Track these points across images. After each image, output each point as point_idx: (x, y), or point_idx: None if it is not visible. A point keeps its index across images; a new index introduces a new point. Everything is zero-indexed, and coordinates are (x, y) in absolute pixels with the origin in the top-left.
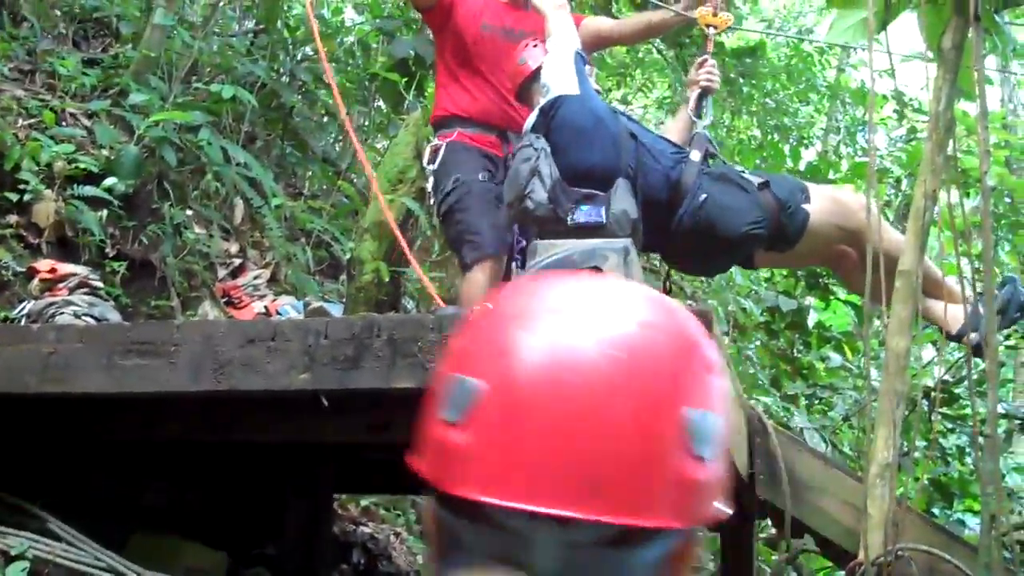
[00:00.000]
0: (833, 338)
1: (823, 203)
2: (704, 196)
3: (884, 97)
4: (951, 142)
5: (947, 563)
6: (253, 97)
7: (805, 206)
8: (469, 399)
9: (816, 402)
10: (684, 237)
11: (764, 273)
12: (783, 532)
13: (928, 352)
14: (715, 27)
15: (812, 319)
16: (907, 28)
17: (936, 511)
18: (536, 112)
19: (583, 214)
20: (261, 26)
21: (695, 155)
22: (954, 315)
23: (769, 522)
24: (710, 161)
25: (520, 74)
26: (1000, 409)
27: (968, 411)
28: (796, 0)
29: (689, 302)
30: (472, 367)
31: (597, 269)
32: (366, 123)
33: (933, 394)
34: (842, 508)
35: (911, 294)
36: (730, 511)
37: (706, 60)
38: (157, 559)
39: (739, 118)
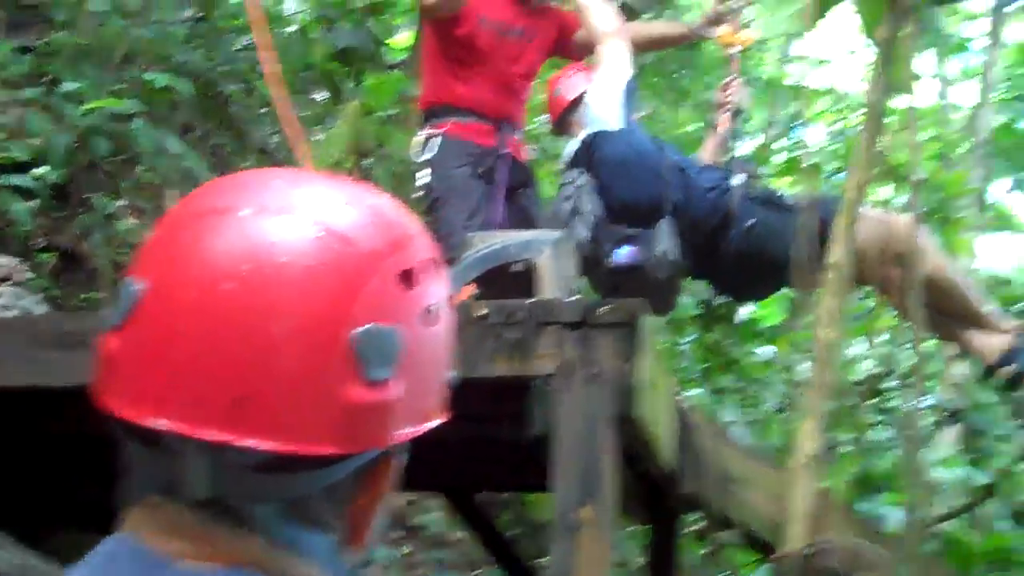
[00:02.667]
0: (763, 332)
1: (869, 224)
2: (752, 221)
3: (820, 91)
4: (883, 134)
5: (868, 555)
6: (190, 86)
7: None
8: (129, 301)
9: (746, 396)
10: (734, 263)
11: None
12: (710, 525)
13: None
14: (738, 46)
15: (747, 312)
16: (846, 20)
17: (862, 504)
18: (577, 143)
19: (623, 255)
20: (201, 14)
21: (738, 179)
22: (988, 346)
23: (697, 516)
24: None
25: (559, 105)
26: (928, 402)
27: (896, 404)
28: None
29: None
30: (141, 267)
31: (529, 262)
32: (307, 113)
33: (861, 387)
34: (767, 501)
35: (841, 285)
36: (438, 422)
37: (732, 80)
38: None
39: (678, 111)
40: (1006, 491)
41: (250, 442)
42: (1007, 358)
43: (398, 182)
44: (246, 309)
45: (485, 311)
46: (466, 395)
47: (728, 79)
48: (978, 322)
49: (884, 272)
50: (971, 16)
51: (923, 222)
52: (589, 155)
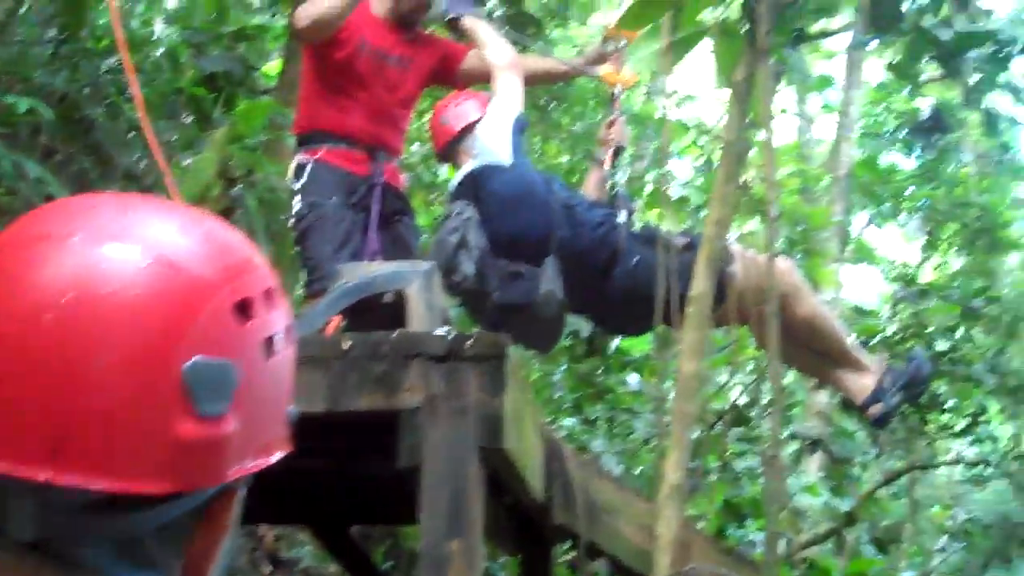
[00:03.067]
0: (632, 361)
1: (748, 265)
2: (637, 258)
3: (684, 126)
4: (743, 171)
5: None
6: (51, 110)
7: (729, 268)
8: None
9: (616, 425)
10: (620, 299)
11: None
12: (581, 555)
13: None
14: (620, 85)
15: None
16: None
17: (729, 531)
18: (462, 174)
19: (509, 292)
20: (65, 34)
21: (623, 216)
22: (858, 385)
23: (569, 546)
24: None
25: (446, 134)
26: (791, 431)
27: (760, 432)
28: (607, 26)
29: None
30: None
31: (400, 293)
32: (174, 138)
33: (727, 416)
34: (636, 530)
35: (702, 319)
36: (279, 455)
37: (615, 119)
38: None
39: (549, 144)
40: (869, 516)
41: (75, 481)
42: (875, 397)
43: (267, 210)
44: (67, 342)
45: (349, 344)
46: (334, 429)
47: (611, 117)
48: (848, 362)
49: (761, 312)
50: (831, 54)
51: (785, 255)
52: (477, 187)
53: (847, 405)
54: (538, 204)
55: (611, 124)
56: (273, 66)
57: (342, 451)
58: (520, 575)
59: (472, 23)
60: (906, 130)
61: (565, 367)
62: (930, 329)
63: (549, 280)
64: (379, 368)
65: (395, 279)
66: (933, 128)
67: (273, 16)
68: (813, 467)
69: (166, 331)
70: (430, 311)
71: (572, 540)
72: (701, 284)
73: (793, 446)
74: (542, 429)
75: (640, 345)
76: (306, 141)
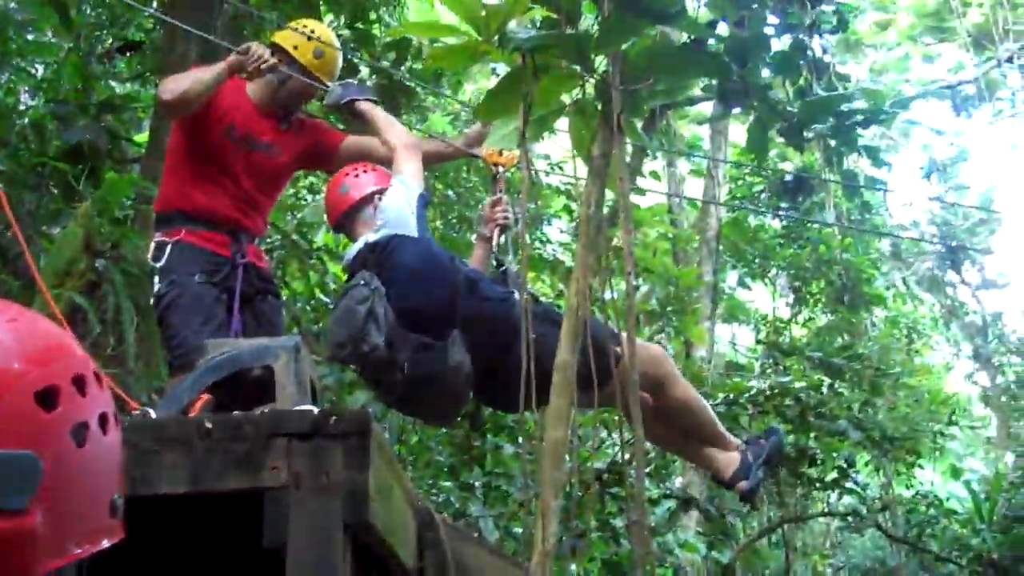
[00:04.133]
0: (506, 426)
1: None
2: (534, 336)
3: (557, 191)
4: (611, 237)
5: None
6: None
7: (617, 349)
8: None
9: (493, 489)
10: (516, 375)
11: None
12: None
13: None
14: (502, 165)
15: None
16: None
17: None
18: (363, 244)
19: (419, 364)
20: None
21: (517, 295)
22: (725, 463)
23: None
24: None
25: (344, 203)
26: (666, 489)
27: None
28: (481, 94)
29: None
30: None
31: (269, 368)
32: (41, 211)
33: (605, 474)
34: None
35: (567, 386)
36: (107, 543)
37: (500, 199)
38: None
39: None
40: (749, 567)
41: None
42: (742, 473)
43: (135, 284)
44: None
45: (210, 426)
46: (199, 509)
47: (495, 196)
48: (716, 442)
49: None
50: (701, 118)
51: (658, 314)
52: (382, 257)
53: (717, 481)
54: (444, 278)
55: (496, 203)
56: (145, 136)
57: (208, 531)
58: None
59: (367, 107)
60: (771, 192)
61: (443, 432)
62: (797, 385)
63: (458, 352)
64: (242, 447)
65: (262, 354)
66: (797, 190)
67: (142, 86)
68: (692, 523)
69: None
70: (298, 386)
71: None
72: (565, 353)
73: (669, 504)
74: (413, 500)
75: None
76: (167, 221)
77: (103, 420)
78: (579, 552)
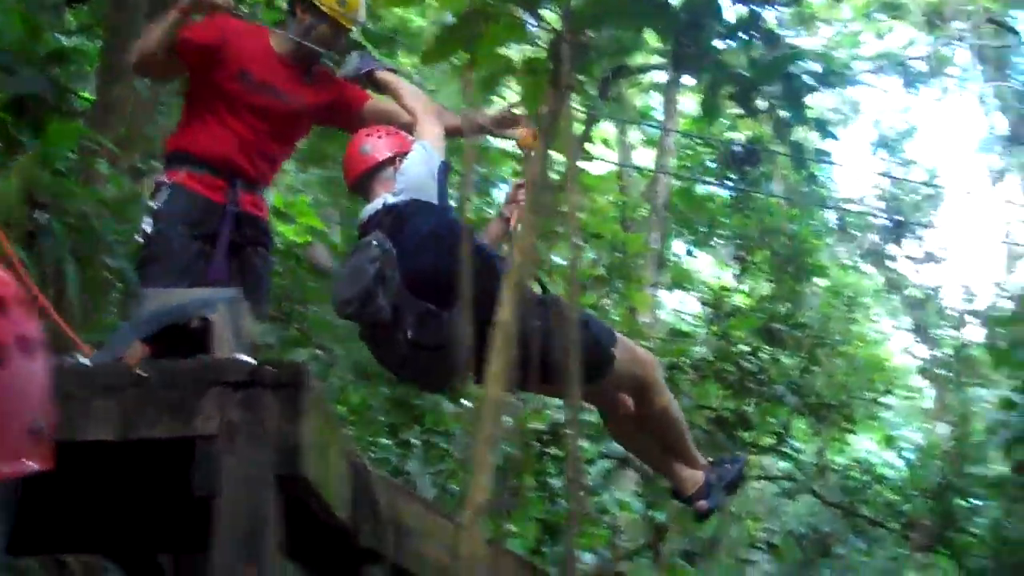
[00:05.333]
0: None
1: (625, 350)
2: (539, 323)
3: (505, 153)
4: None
5: None
6: None
7: (613, 349)
8: None
9: (432, 448)
10: (514, 359)
11: None
12: None
13: None
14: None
15: None
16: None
17: (546, 548)
18: (379, 205)
19: (423, 332)
20: None
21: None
22: (689, 479)
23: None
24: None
25: (365, 163)
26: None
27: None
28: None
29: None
30: None
31: (207, 320)
32: None
33: (547, 435)
34: (443, 552)
35: (508, 346)
36: (29, 470)
37: (526, 182)
38: None
39: None
40: (684, 528)
41: None
42: (703, 492)
43: (76, 236)
44: None
45: (142, 374)
46: (132, 457)
47: (523, 180)
48: (685, 458)
49: (621, 397)
50: (652, 87)
51: (604, 281)
52: (398, 221)
53: (675, 495)
54: (458, 247)
55: (522, 186)
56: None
57: (141, 478)
58: None
59: (388, 76)
60: (720, 163)
61: (385, 391)
62: (738, 350)
63: (460, 325)
64: (175, 395)
65: (200, 305)
66: (745, 160)
67: (89, 39)
68: (629, 483)
69: None
70: (236, 338)
71: (380, 563)
72: (506, 312)
73: (606, 464)
74: (349, 455)
75: None
76: (170, 161)
77: (23, 343)
78: (513, 510)
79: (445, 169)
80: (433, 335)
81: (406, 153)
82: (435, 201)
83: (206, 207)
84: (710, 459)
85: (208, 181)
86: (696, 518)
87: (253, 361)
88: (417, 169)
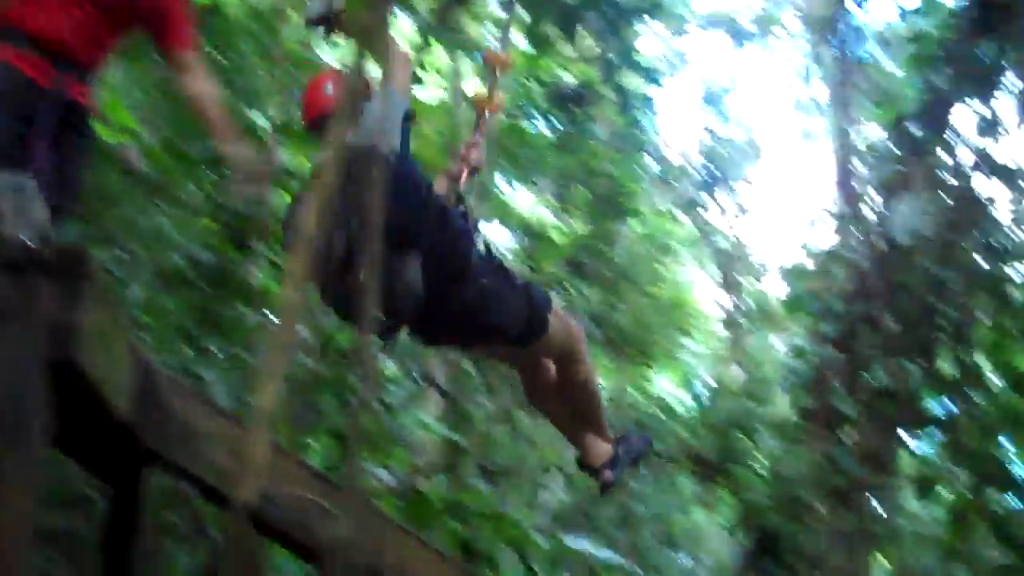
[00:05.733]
0: (256, 295)
1: (559, 318)
2: (485, 281)
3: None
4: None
5: (316, 505)
6: None
7: (548, 315)
8: None
9: (232, 358)
10: (456, 314)
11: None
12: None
13: None
14: (490, 109)
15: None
16: None
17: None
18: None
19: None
20: None
21: (479, 236)
22: (597, 450)
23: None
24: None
25: (327, 104)
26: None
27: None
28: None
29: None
30: None
31: None
32: None
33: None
34: (228, 456)
35: (306, 247)
36: None
37: (478, 142)
38: None
39: None
40: (484, 453)
41: None
42: (610, 463)
43: None
44: None
45: None
46: None
47: (474, 139)
48: (597, 430)
49: (543, 361)
50: (491, 19)
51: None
52: (357, 165)
53: (582, 465)
54: (418, 197)
55: (473, 145)
56: None
57: None
58: (113, 496)
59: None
60: (548, 101)
61: (184, 299)
62: (542, 278)
63: (410, 273)
64: None
65: None
66: (572, 100)
67: None
68: (433, 406)
69: None
70: (23, 222)
71: (163, 463)
72: (305, 214)
73: (409, 385)
74: (136, 353)
75: (271, 285)
76: None
77: None
78: (311, 424)
79: (407, 117)
80: (380, 279)
81: (370, 97)
82: (396, 147)
83: (30, 90)
84: (618, 435)
85: (33, 59)
86: (600, 488)
87: (31, 243)
88: (381, 113)
